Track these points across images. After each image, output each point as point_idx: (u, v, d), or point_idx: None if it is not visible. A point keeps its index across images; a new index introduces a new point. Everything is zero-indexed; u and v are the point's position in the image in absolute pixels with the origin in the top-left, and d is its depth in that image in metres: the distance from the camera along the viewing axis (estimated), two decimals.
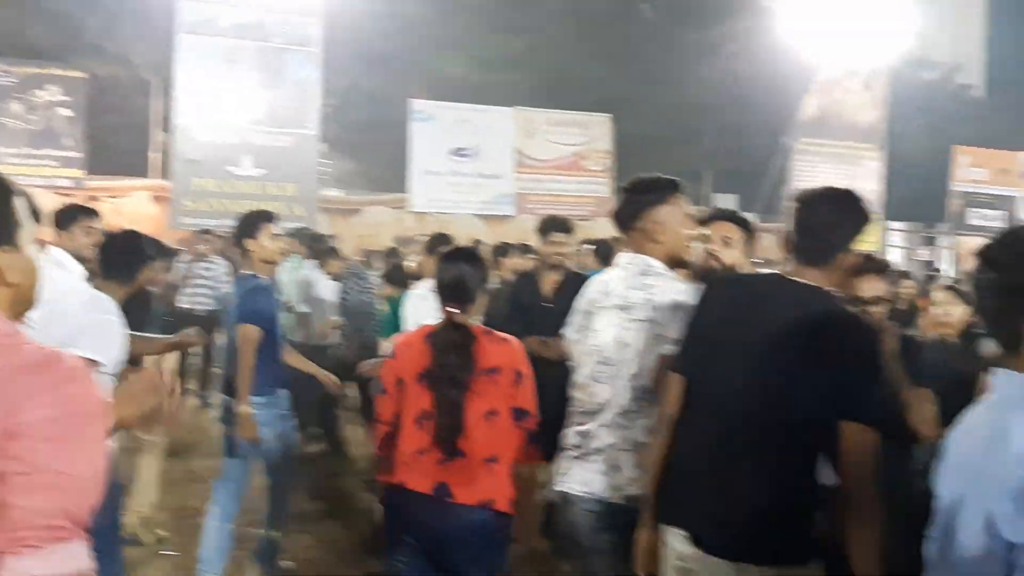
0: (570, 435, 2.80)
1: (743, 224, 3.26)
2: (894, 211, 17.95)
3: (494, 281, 6.04)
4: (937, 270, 15.13)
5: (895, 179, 16.79)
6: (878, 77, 15.85)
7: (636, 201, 2.76)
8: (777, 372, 2.22)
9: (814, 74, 15.34)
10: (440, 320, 2.94)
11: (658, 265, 2.71)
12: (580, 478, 2.71)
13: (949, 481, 1.82)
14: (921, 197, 19.52)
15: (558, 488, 2.78)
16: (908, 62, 17.31)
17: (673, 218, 2.74)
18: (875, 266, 3.07)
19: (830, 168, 15.56)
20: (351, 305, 7.16)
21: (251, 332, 4.10)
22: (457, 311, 2.91)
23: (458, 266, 2.96)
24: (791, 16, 14.77)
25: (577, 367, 2.83)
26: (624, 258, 2.79)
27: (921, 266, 17.97)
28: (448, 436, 2.80)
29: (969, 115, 25.99)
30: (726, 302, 2.43)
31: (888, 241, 18.51)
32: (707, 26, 21.26)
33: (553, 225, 5.01)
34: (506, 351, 2.89)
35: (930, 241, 19.99)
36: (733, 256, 3.19)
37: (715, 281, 2.56)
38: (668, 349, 2.57)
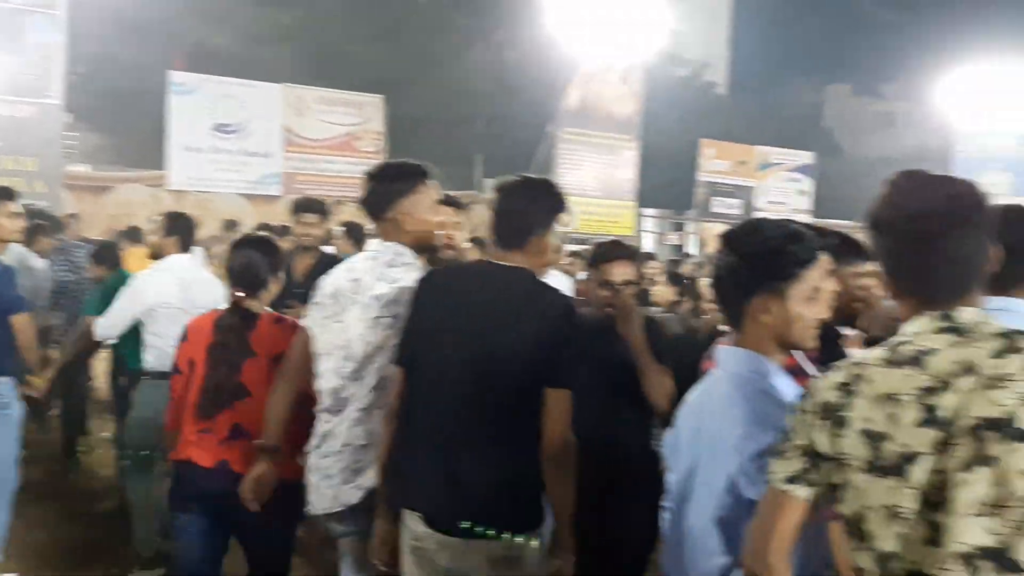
0: (313, 437, 2.77)
1: (458, 206, 3.59)
2: (648, 198, 19.15)
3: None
4: (687, 254, 16.34)
5: (648, 169, 17.89)
6: (633, 72, 16.82)
7: (384, 190, 2.75)
8: (489, 350, 2.35)
9: (576, 66, 16.02)
10: (229, 304, 3.08)
11: (407, 254, 2.74)
12: (327, 496, 2.71)
13: (683, 451, 2.00)
14: (671, 186, 20.99)
15: (311, 512, 2.78)
16: (661, 59, 18.48)
17: (422, 206, 2.75)
18: (625, 252, 3.27)
19: (591, 157, 16.35)
20: (58, 285, 6.73)
21: (27, 319, 4.05)
22: (243, 296, 3.04)
23: (247, 252, 3.10)
24: (555, 8, 15.34)
25: (321, 358, 2.78)
26: (373, 245, 2.79)
27: (671, 250, 19.39)
28: (208, 413, 2.93)
29: (714, 111, 28.30)
30: (438, 292, 2.51)
31: (642, 226, 19.76)
32: (477, 13, 21.64)
33: (304, 206, 4.91)
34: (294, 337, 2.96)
35: (680, 227, 21.55)
36: (461, 238, 3.47)
37: (428, 274, 2.62)
38: None
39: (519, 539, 2.33)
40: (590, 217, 15.68)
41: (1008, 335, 1.43)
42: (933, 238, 1.50)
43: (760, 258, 1.88)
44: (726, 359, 1.95)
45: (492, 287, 2.44)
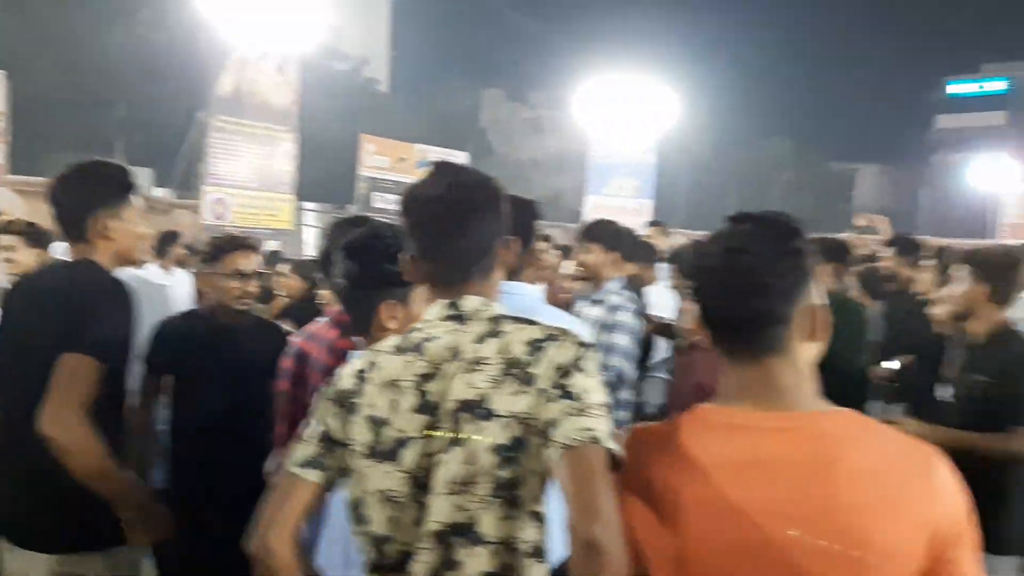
0: None
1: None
2: (308, 192, 18.92)
3: None
4: None
5: (308, 162, 17.63)
6: (291, 62, 16.44)
7: None
8: (22, 361, 2.23)
9: (229, 52, 15.33)
10: None
11: None
12: None
13: None
14: (332, 180, 20.91)
15: None
16: (320, 52, 18.29)
17: None
18: (247, 242, 3.28)
19: (247, 147, 15.70)
20: None
21: None
22: None
23: None
24: None
25: None
26: None
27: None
28: None
29: (374, 107, 28.64)
30: (6, 304, 2.42)
31: (303, 220, 19.47)
32: None
33: None
34: None
35: None
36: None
37: (12, 285, 2.51)
38: None
39: (78, 557, 2.23)
40: (245, 209, 15.07)
41: (495, 320, 1.52)
42: (441, 224, 1.55)
43: (384, 266, 1.89)
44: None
45: (31, 289, 2.35)
